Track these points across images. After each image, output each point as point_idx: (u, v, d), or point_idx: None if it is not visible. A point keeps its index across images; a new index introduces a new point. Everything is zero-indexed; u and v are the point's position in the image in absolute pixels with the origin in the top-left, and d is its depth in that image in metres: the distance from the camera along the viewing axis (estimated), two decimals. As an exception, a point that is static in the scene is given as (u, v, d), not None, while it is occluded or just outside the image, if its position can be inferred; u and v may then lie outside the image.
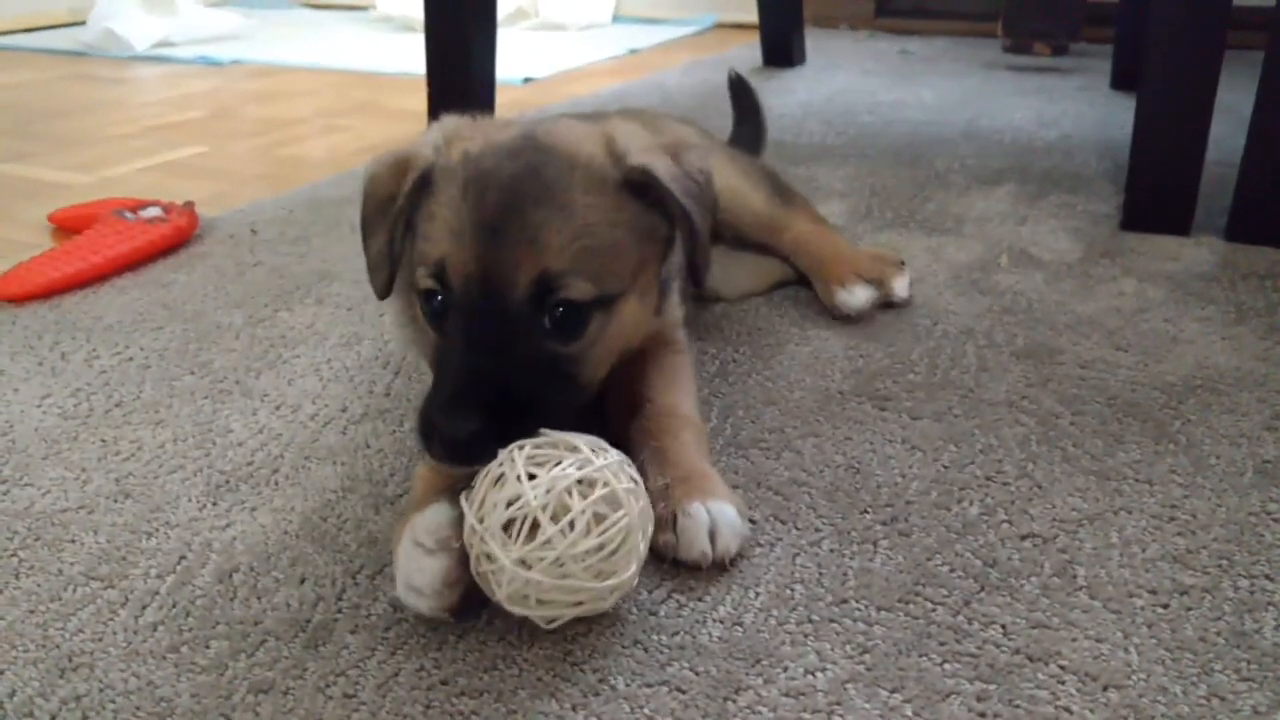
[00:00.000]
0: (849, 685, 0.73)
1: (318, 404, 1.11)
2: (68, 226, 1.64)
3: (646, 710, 0.71)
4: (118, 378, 1.16)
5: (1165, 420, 1.07)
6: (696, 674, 0.74)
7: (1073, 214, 1.71)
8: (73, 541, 0.88)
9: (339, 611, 0.80)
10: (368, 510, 0.92)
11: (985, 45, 3.27)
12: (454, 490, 0.79)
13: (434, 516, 0.77)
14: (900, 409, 1.10)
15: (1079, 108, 2.45)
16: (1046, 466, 1.00)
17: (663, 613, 0.80)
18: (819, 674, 0.74)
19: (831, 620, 0.79)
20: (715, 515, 0.83)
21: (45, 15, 3.95)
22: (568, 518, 0.72)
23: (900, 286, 1.35)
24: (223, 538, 0.89)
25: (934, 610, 0.80)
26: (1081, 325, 1.30)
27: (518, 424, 0.77)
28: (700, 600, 0.81)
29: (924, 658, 0.76)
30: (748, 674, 0.74)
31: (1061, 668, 0.74)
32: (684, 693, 0.72)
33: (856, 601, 0.81)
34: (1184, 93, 1.55)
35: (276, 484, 0.97)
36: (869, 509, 0.93)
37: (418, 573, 0.76)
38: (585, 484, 0.73)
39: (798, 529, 0.90)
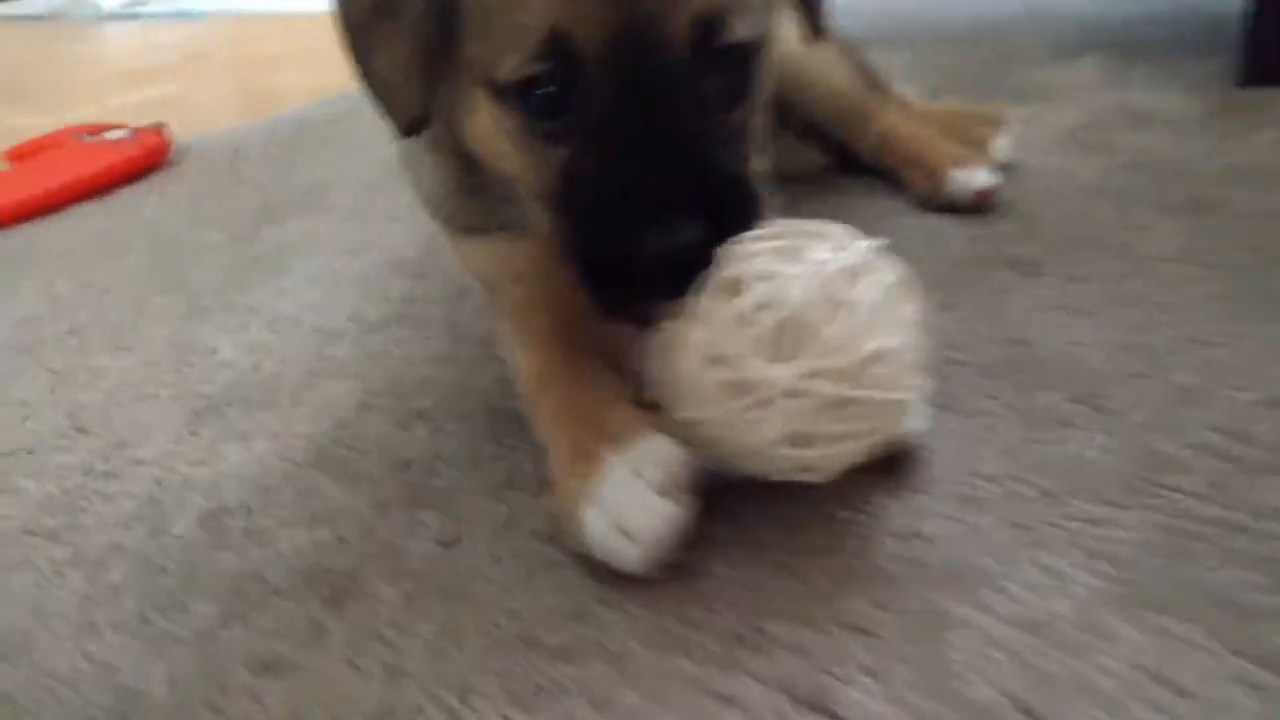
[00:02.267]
0: (1103, 608, 0.51)
1: (321, 316, 0.89)
2: (27, 158, 1.42)
3: (819, 661, 0.49)
4: (74, 303, 0.94)
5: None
6: (885, 610, 0.52)
7: (1176, 76, 1.47)
8: (12, 492, 0.67)
9: (366, 556, 0.58)
10: (393, 428, 0.71)
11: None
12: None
13: (667, 449, 0.55)
14: (1046, 272, 0.88)
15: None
16: (1261, 323, 0.77)
17: (816, 531, 0.58)
18: (1057, 596, 0.52)
19: (1050, 524, 0.57)
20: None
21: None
22: (848, 315, 0.51)
23: (1001, 147, 1.10)
24: (205, 474, 0.67)
25: (1181, 500, 0.58)
26: (1242, 176, 1.07)
27: (733, 222, 0.56)
28: (862, 512, 0.59)
29: (1192, 562, 0.53)
30: (955, 601, 0.52)
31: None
32: (871, 635, 0.51)
33: (1073, 497, 0.59)
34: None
35: (274, 405, 0.75)
36: (1050, 385, 0.71)
37: (643, 513, 0.54)
38: (852, 272, 0.53)
39: (966, 414, 0.68)
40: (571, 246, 0.59)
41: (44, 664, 0.52)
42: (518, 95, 0.59)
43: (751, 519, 0.58)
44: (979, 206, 1.03)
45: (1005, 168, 1.07)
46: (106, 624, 0.55)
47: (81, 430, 0.73)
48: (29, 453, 0.70)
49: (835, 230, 0.55)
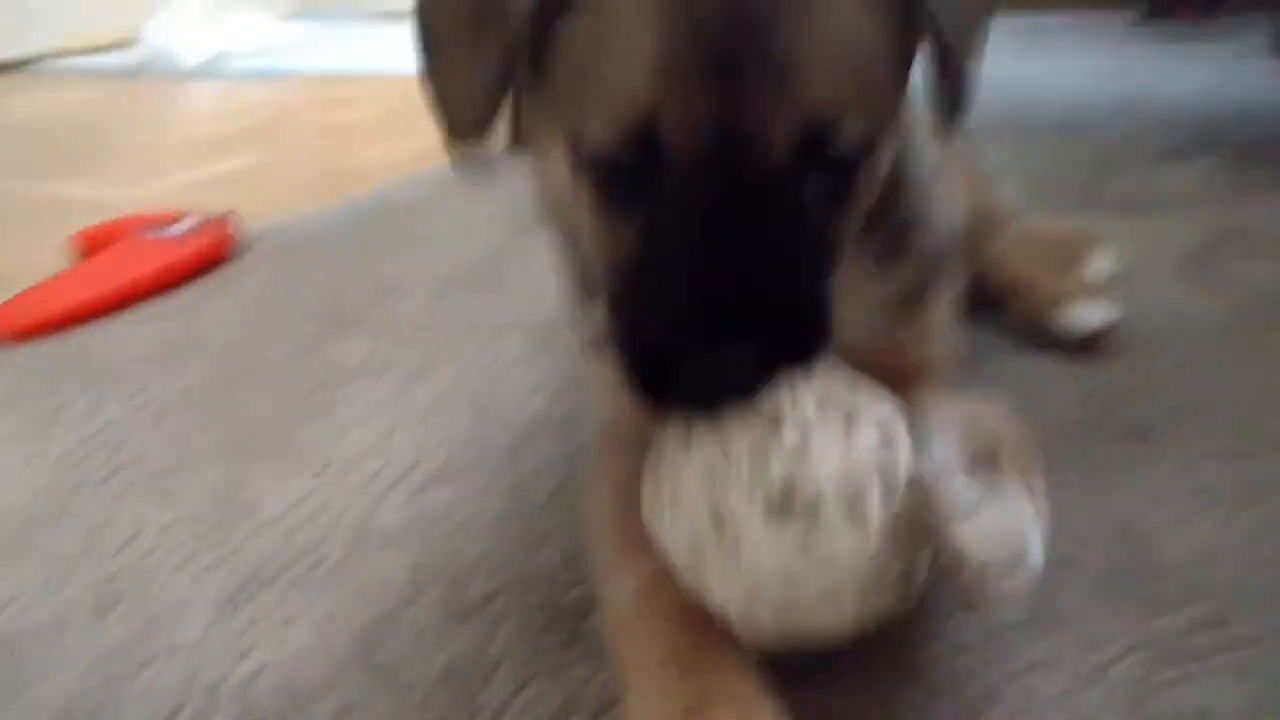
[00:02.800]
0: None
1: (375, 463, 0.83)
2: (90, 246, 1.40)
3: None
4: (123, 433, 0.90)
5: None
6: None
7: (1290, 184, 1.39)
8: (40, 676, 0.62)
9: (408, 798, 0.52)
10: (447, 622, 0.65)
11: (1111, 19, 2.94)
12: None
13: None
14: (1167, 447, 0.80)
15: (1244, 77, 2.12)
16: None
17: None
18: None
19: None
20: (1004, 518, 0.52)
21: (96, 36, 3.78)
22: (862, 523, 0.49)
23: (1097, 270, 1.02)
24: (240, 672, 0.62)
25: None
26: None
27: (793, 351, 0.53)
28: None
29: None
30: None
31: None
32: None
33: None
34: None
35: (319, 582, 0.69)
36: (1175, 602, 0.63)
37: None
38: (887, 475, 0.50)
39: (1079, 640, 0.61)
40: (616, 328, 0.55)
41: None
42: (594, 168, 0.54)
43: None
44: (1089, 347, 0.96)
45: (1112, 296, 0.99)
46: None
47: (115, 603, 0.68)
48: (60, 631, 0.66)
49: (887, 410, 0.51)
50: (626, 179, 0.53)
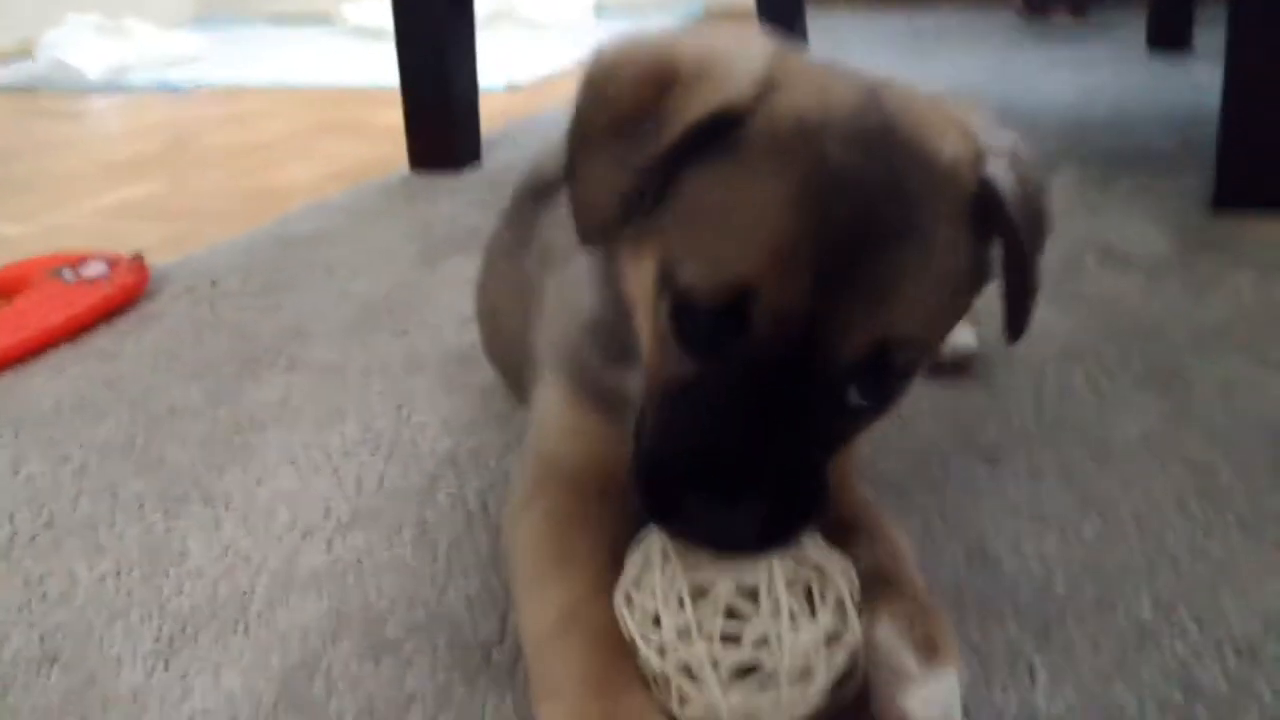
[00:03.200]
0: None
1: (294, 509, 0.89)
2: (1, 288, 1.43)
3: None
4: (49, 488, 0.94)
5: (1346, 460, 0.87)
6: None
7: (1151, 198, 1.51)
8: (-17, 737, 0.67)
9: (334, 832, 0.59)
10: (364, 663, 0.71)
11: (998, 17, 3.06)
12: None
13: None
14: (1018, 468, 0.89)
15: (1121, 75, 2.25)
16: (1221, 538, 0.79)
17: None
18: None
19: (1003, 803, 0.58)
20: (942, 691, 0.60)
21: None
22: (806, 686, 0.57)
23: (965, 336, 1.07)
24: (177, 717, 0.67)
25: (1136, 773, 0.59)
26: (1206, 337, 1.09)
27: (789, 522, 0.58)
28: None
29: None
30: None
31: None
32: None
33: (1029, 768, 0.60)
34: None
35: (245, 629, 0.75)
36: (1011, 617, 0.72)
37: None
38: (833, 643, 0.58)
39: (927, 655, 0.69)
40: (651, 443, 0.60)
41: None
42: (683, 311, 0.58)
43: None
44: (958, 370, 1.04)
45: (976, 321, 1.08)
46: None
47: (54, 660, 0.73)
48: (4, 690, 0.71)
49: (845, 584, 0.60)
50: (704, 325, 0.57)
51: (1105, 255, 1.31)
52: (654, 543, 0.61)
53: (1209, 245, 1.32)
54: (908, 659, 0.59)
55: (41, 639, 0.75)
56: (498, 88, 2.61)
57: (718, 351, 0.57)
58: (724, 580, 0.58)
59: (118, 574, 0.82)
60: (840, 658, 0.58)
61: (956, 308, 0.61)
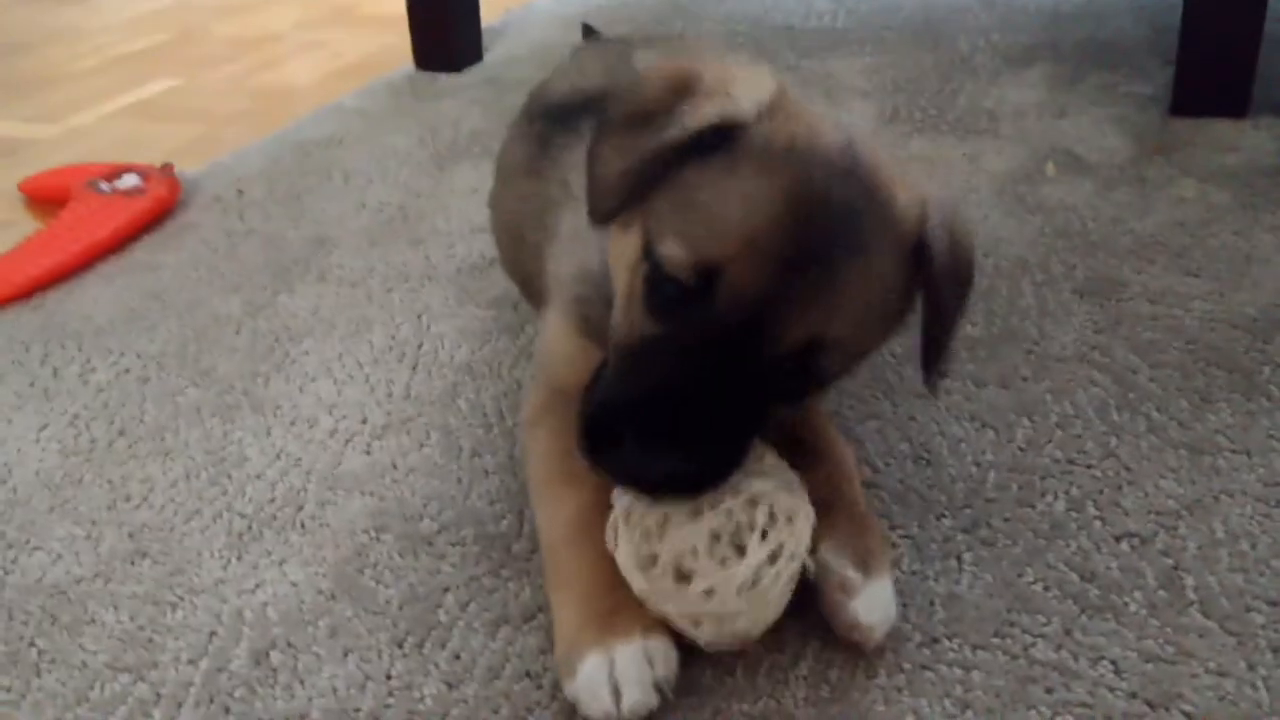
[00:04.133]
0: (955, 754, 0.67)
1: (335, 415, 1.02)
2: (40, 197, 1.54)
3: (739, 807, 0.65)
4: (117, 397, 1.07)
5: (1252, 367, 0.99)
6: (785, 753, 0.68)
7: (1115, 98, 1.59)
8: (92, 622, 0.82)
9: (390, 694, 0.74)
10: (405, 555, 0.85)
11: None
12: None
13: (667, 651, 0.71)
14: (963, 374, 1.02)
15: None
16: (1131, 441, 0.92)
17: (739, 673, 0.73)
18: (922, 742, 0.68)
19: (925, 667, 0.73)
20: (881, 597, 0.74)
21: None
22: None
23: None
24: (253, 603, 0.82)
25: (1034, 645, 0.74)
26: (1144, 247, 1.20)
27: (712, 467, 0.69)
28: (780, 653, 0.74)
29: (1032, 710, 0.69)
30: (843, 747, 0.68)
31: (1186, 714, 0.68)
32: (775, 778, 0.66)
33: (949, 640, 0.75)
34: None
35: (303, 526, 0.89)
36: (946, 512, 0.86)
37: (638, 687, 0.68)
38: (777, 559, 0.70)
39: (873, 546, 0.83)
40: (595, 383, 0.72)
41: (146, 804, 0.68)
42: (655, 279, 0.69)
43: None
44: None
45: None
46: (189, 765, 0.70)
47: (143, 554, 0.87)
48: (105, 580, 0.85)
49: (805, 509, 0.72)
50: (673, 293, 0.68)
51: (1066, 161, 1.41)
52: (618, 510, 0.73)
53: (1163, 149, 1.42)
54: (850, 572, 0.73)
55: (130, 535, 0.90)
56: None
57: (679, 317, 0.68)
58: (665, 549, 0.69)
59: (188, 478, 0.96)
60: (788, 569, 0.70)
61: (882, 332, 0.73)
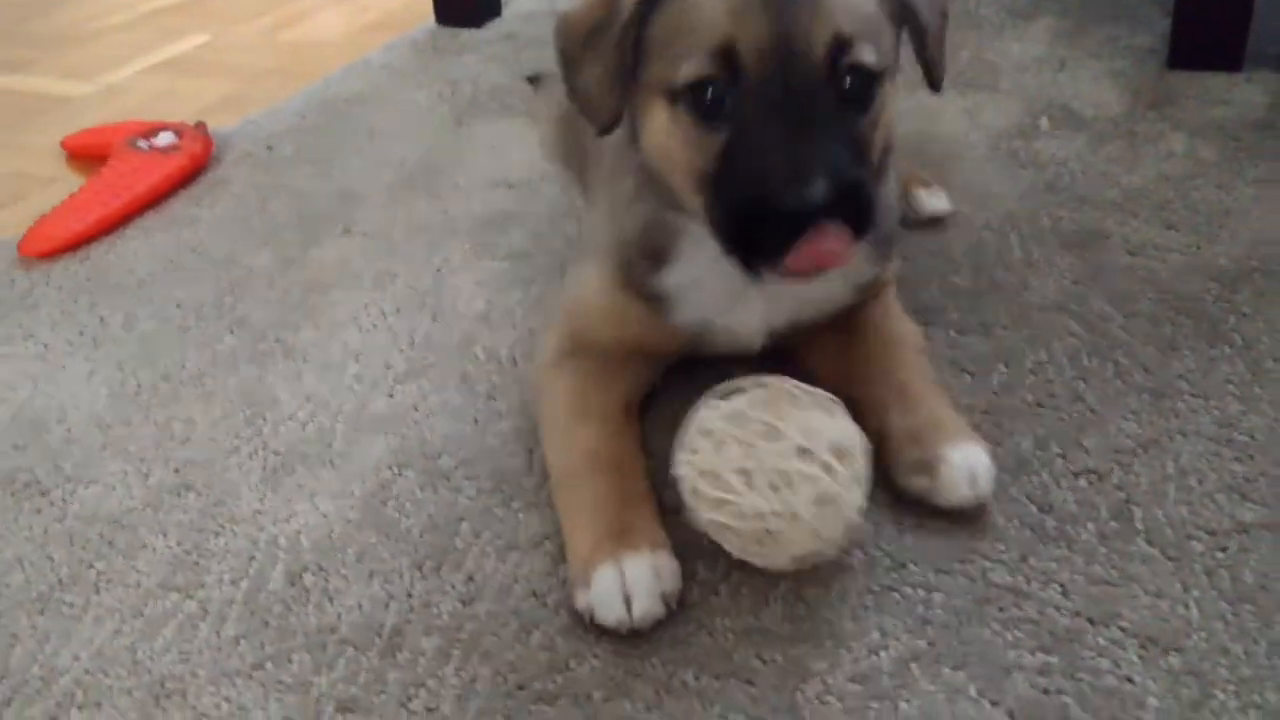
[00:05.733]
0: (912, 664, 0.75)
1: (361, 361, 1.11)
2: (81, 154, 1.62)
3: (717, 709, 0.73)
4: (160, 344, 1.16)
5: (1219, 316, 1.05)
6: (764, 662, 0.76)
7: (1115, 51, 1.63)
8: (144, 547, 0.91)
9: (410, 610, 0.82)
10: (425, 490, 0.93)
11: None
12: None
13: (671, 566, 0.80)
14: (947, 322, 1.08)
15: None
16: (1099, 385, 0.98)
17: (724, 592, 0.81)
18: (882, 653, 0.76)
19: (891, 589, 0.81)
20: (973, 461, 0.84)
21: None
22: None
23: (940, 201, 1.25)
24: (288, 531, 0.91)
25: (992, 570, 0.81)
26: (1129, 201, 1.26)
27: (854, 201, 0.76)
28: (760, 576, 0.82)
29: (985, 627, 0.77)
30: (814, 658, 0.76)
31: (1122, 630, 0.76)
32: (753, 685, 0.75)
33: (915, 565, 0.82)
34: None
35: (332, 463, 0.98)
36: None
37: (648, 598, 0.77)
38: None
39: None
40: (720, 217, 0.80)
41: (198, 705, 0.77)
42: (689, 96, 0.80)
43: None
44: (933, 224, 1.23)
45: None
46: (234, 672, 0.79)
47: (188, 487, 0.96)
48: (155, 510, 0.94)
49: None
50: (713, 96, 0.79)
51: (1062, 116, 1.46)
52: (689, 429, 0.79)
53: (1157, 102, 1.47)
54: (921, 454, 0.85)
55: (176, 470, 0.98)
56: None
57: (731, 109, 0.78)
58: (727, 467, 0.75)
59: (226, 418, 1.04)
60: (855, 470, 0.77)
61: (886, 31, 0.83)
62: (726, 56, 0.77)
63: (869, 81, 0.80)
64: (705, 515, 0.77)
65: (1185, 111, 1.43)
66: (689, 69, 0.78)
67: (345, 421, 1.02)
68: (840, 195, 0.74)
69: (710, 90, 0.79)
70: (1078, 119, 1.45)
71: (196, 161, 1.50)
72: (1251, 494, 0.85)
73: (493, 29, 1.97)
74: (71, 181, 1.53)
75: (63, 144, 1.65)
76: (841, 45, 0.77)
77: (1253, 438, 0.91)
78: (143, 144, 1.51)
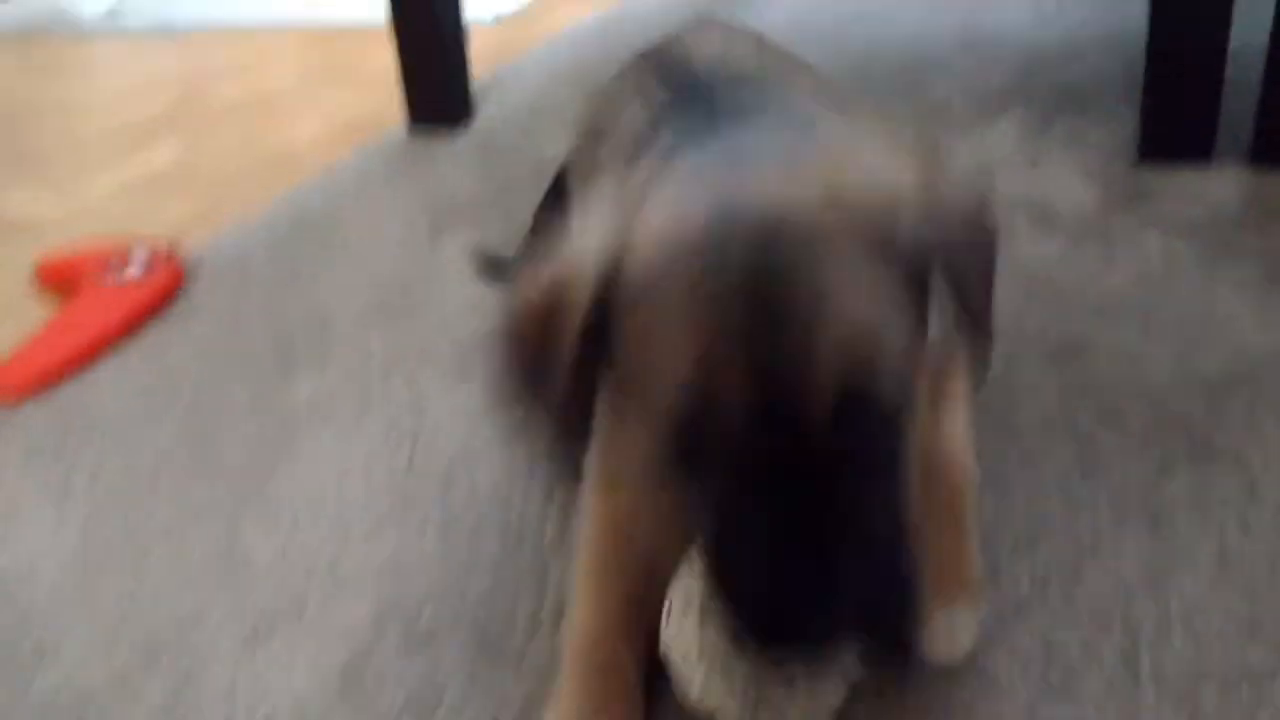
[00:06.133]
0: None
1: (334, 509, 1.07)
2: (51, 280, 1.60)
3: None
4: (129, 497, 1.13)
5: (1209, 431, 1.04)
6: None
7: (1085, 146, 1.63)
8: (113, 729, 0.87)
9: (392, 796, 0.79)
10: (404, 657, 0.90)
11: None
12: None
13: None
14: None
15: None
16: (1091, 513, 0.96)
17: None
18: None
19: (890, 754, 0.77)
20: (955, 621, 0.81)
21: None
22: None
23: None
24: (261, 712, 0.87)
25: (997, 728, 0.78)
26: (1110, 307, 1.24)
27: (884, 601, 0.61)
28: None
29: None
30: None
31: (1135, 796, 0.73)
32: None
33: (916, 727, 0.79)
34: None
35: (308, 625, 0.94)
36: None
37: None
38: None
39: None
40: (711, 579, 0.65)
41: None
42: (664, 450, 0.63)
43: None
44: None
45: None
46: None
47: (156, 659, 0.92)
48: (121, 685, 0.90)
49: None
50: (688, 445, 0.61)
51: (1036, 216, 1.46)
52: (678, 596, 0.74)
53: (1130, 200, 1.46)
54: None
55: (144, 638, 0.95)
56: (486, 20, 2.70)
57: (703, 461, 0.62)
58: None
59: (198, 579, 1.01)
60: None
61: (907, 332, 0.64)
62: (696, 420, 0.60)
63: (891, 424, 0.63)
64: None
65: (1160, 208, 1.43)
66: (658, 425, 0.62)
67: (320, 576, 0.99)
68: (852, 617, 0.60)
69: (688, 439, 0.62)
70: (1053, 220, 1.44)
71: (166, 293, 1.48)
72: (1258, 634, 0.83)
73: (466, 137, 1.97)
74: (39, 311, 1.51)
75: (37, 271, 1.62)
76: (852, 396, 0.59)
77: (1253, 567, 0.88)
78: (111, 278, 1.49)
